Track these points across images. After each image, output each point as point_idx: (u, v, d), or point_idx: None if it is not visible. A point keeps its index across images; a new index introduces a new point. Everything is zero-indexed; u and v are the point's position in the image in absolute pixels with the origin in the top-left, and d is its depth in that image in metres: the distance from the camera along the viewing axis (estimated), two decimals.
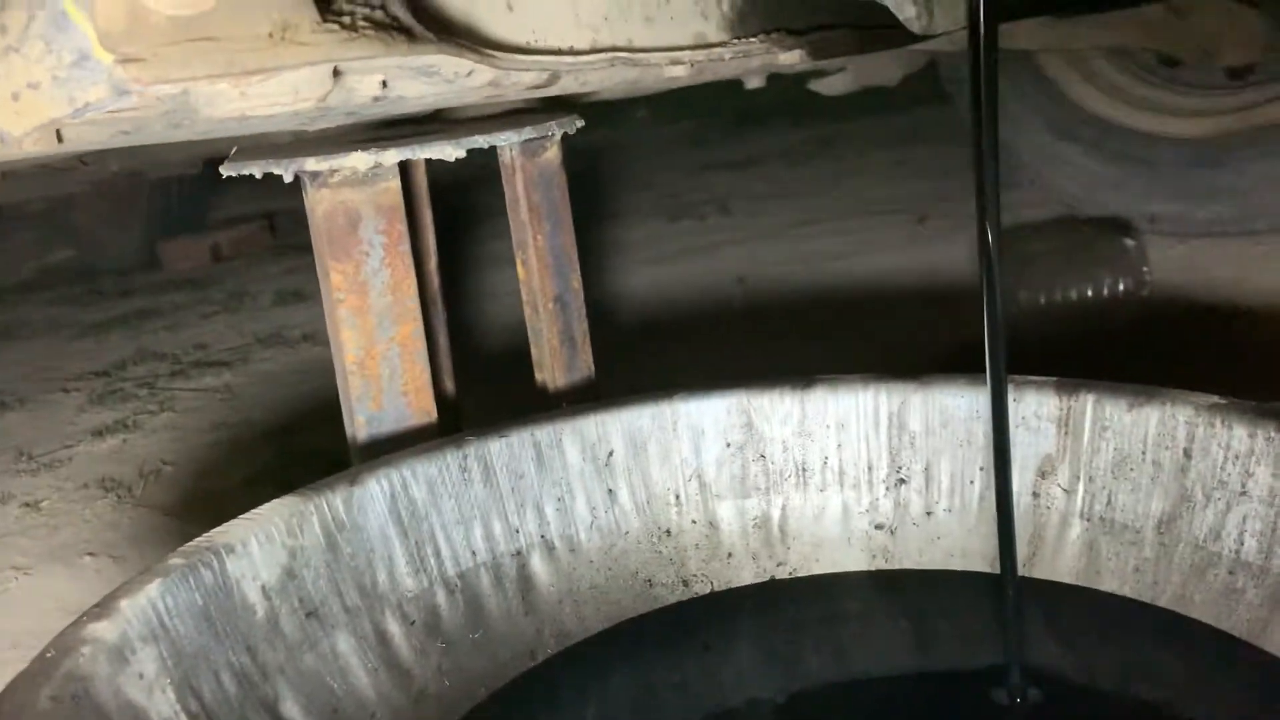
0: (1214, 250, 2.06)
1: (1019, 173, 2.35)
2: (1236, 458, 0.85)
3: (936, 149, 3.50)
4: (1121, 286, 1.77)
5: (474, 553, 0.97)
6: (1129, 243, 1.79)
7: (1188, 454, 0.88)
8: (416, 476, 0.94)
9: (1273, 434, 0.83)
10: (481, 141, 1.08)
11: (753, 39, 1.30)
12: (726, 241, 2.95)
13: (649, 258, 2.90)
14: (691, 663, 0.97)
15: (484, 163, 1.30)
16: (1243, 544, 0.84)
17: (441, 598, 0.94)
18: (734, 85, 2.10)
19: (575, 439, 1.02)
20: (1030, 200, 2.35)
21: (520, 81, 1.06)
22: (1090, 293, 1.77)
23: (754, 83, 2.09)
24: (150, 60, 0.63)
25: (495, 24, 1.00)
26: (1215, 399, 0.88)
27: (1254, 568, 0.83)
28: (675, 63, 1.19)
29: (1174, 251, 2.09)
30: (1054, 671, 0.85)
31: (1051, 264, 1.83)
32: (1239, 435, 0.85)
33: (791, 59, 1.41)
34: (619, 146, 4.97)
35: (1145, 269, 1.77)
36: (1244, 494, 0.85)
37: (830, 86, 2.40)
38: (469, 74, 0.96)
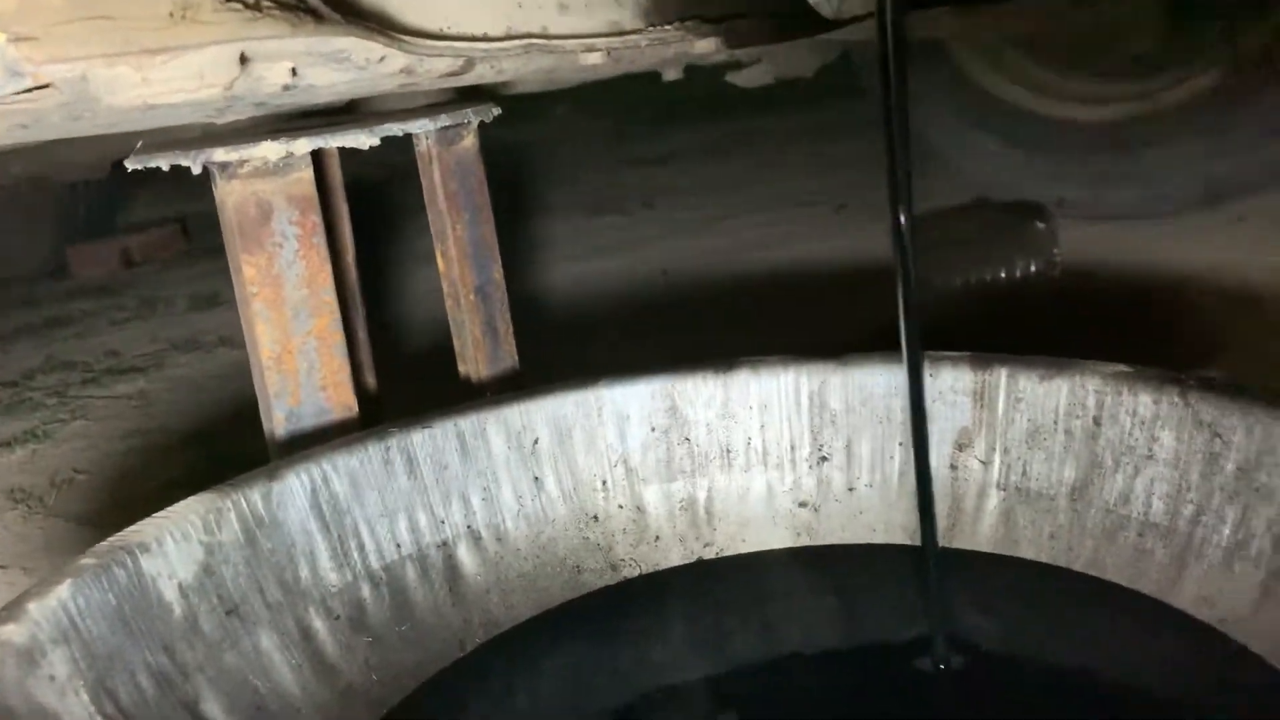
0: (1121, 233, 2.12)
1: (932, 159, 2.40)
2: (1143, 423, 0.88)
3: (853, 142, 3.55)
4: (1034, 268, 1.81)
5: (399, 545, 0.95)
6: (1040, 225, 1.83)
7: (1097, 422, 0.91)
8: (338, 470, 0.93)
9: (1176, 399, 0.86)
10: (395, 129, 1.07)
11: (668, 26, 1.30)
12: (650, 235, 2.96)
13: (573, 253, 2.90)
14: (622, 646, 0.98)
15: (410, 157, 1.29)
16: (1150, 506, 0.87)
17: (367, 591, 0.93)
18: (655, 81, 2.10)
19: (500, 428, 1.01)
20: (944, 187, 2.39)
21: (434, 68, 1.05)
22: (1004, 275, 1.81)
23: (671, 74, 2.10)
24: (43, 39, 0.61)
25: (407, 10, 0.99)
26: (1122, 368, 0.91)
27: (1162, 528, 0.86)
28: (590, 50, 1.19)
29: (1083, 234, 2.14)
30: (975, 639, 0.87)
31: (966, 247, 1.87)
32: (1145, 402, 0.88)
33: (707, 47, 1.42)
34: (541, 143, 4.94)
35: (1056, 250, 1.82)
36: (1150, 458, 0.87)
37: (747, 79, 2.42)
38: (380, 60, 0.95)
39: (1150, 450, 0.87)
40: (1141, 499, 0.88)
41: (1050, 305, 1.80)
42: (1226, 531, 0.81)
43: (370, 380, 1.28)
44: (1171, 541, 0.85)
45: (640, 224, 3.13)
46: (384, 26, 0.93)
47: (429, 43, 0.98)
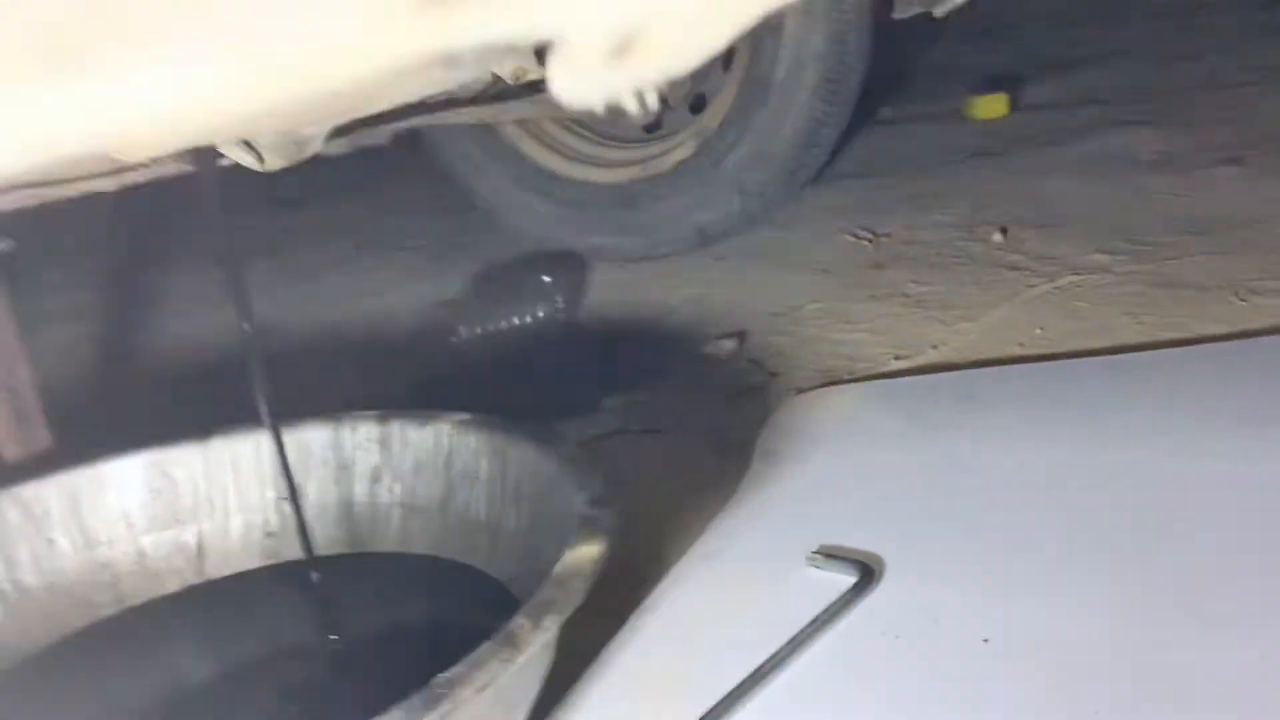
0: (631, 273, 2.62)
1: (490, 217, 2.84)
2: (474, 454, 1.31)
3: None
4: (541, 313, 2.26)
5: None
6: (545, 279, 2.29)
7: (452, 455, 1.33)
8: None
9: (485, 436, 1.29)
10: None
11: None
12: (260, 284, 3.18)
13: (184, 307, 3.10)
14: (129, 658, 1.30)
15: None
16: (481, 510, 1.30)
17: None
18: None
19: (14, 503, 1.30)
20: (500, 242, 2.84)
21: None
22: (518, 321, 2.25)
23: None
24: None
25: None
26: (464, 416, 1.33)
27: (487, 525, 1.29)
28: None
29: (609, 276, 2.64)
30: (363, 622, 1.27)
31: (488, 300, 2.30)
32: (474, 439, 1.31)
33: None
34: (194, 185, 4.97)
35: (559, 299, 2.27)
36: (479, 479, 1.30)
37: (332, 148, 2.73)
38: None
39: (478, 473, 1.30)
40: (476, 507, 1.30)
41: (554, 344, 2.25)
42: (512, 522, 1.25)
43: None
44: (490, 532, 1.28)
45: (256, 273, 3.36)
46: None
47: None
